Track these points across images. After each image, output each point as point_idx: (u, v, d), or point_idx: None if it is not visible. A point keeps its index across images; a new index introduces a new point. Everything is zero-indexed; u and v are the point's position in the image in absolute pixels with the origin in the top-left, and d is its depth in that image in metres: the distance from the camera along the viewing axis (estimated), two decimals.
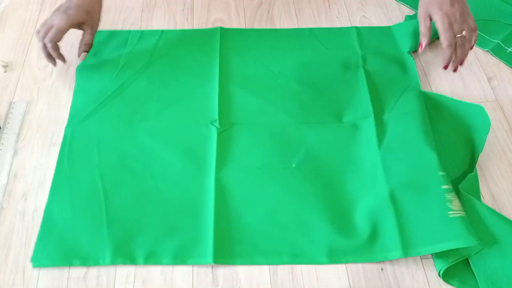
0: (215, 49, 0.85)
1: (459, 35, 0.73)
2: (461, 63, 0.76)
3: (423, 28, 0.76)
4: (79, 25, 0.78)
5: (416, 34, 0.81)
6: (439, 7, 0.73)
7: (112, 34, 0.88)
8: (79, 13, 0.76)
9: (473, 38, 0.75)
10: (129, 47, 0.86)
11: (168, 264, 0.61)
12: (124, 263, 0.61)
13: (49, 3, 0.96)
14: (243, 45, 0.86)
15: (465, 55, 0.75)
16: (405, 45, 0.84)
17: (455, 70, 0.76)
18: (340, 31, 0.89)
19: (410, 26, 0.86)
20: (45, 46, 0.76)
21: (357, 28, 0.89)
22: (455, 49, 0.74)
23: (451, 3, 0.73)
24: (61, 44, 0.88)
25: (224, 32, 0.88)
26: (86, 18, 0.78)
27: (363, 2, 0.95)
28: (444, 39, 0.73)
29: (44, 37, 0.75)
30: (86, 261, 0.61)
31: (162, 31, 0.89)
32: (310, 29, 0.89)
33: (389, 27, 0.90)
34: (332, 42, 0.87)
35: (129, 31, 0.89)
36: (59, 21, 0.75)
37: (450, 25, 0.72)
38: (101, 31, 0.85)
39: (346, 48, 0.86)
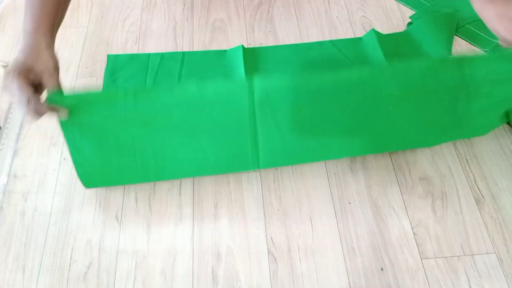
0: (240, 69, 0.83)
1: None
2: None
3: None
4: (32, 78, 0.58)
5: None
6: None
7: (131, 58, 0.86)
8: (20, 62, 0.58)
9: None
10: (151, 74, 0.84)
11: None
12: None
13: None
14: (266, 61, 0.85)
15: None
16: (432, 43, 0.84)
17: None
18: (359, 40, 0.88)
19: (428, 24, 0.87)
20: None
21: (377, 33, 0.87)
22: None
23: None
24: (62, 44, 0.88)
25: (246, 52, 0.86)
26: (31, 62, 0.59)
27: (363, 2, 0.95)
28: None
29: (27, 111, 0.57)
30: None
31: (184, 54, 0.87)
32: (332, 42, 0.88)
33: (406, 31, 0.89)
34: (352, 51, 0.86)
35: (149, 55, 0.86)
36: (11, 88, 0.56)
37: None
38: (118, 55, 0.85)
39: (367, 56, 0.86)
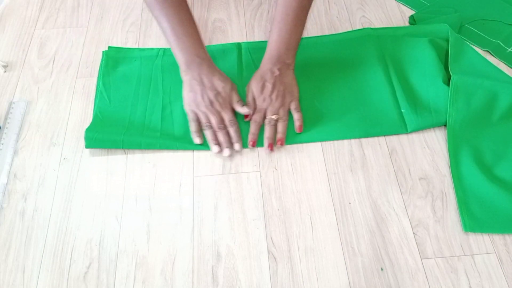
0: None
1: (270, 117, 0.73)
2: (279, 142, 0.72)
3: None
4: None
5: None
6: (260, 91, 0.75)
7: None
8: (211, 98, 0.73)
9: (295, 118, 0.74)
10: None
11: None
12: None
13: (49, 3, 0.96)
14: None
15: (278, 133, 0.73)
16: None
17: (269, 146, 0.72)
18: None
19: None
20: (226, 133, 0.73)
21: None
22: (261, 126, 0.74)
23: (272, 89, 0.74)
24: (61, 44, 0.89)
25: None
26: (217, 93, 0.74)
27: (363, 2, 0.95)
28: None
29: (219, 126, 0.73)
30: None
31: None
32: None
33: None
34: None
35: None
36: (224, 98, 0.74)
37: (263, 109, 0.74)
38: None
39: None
